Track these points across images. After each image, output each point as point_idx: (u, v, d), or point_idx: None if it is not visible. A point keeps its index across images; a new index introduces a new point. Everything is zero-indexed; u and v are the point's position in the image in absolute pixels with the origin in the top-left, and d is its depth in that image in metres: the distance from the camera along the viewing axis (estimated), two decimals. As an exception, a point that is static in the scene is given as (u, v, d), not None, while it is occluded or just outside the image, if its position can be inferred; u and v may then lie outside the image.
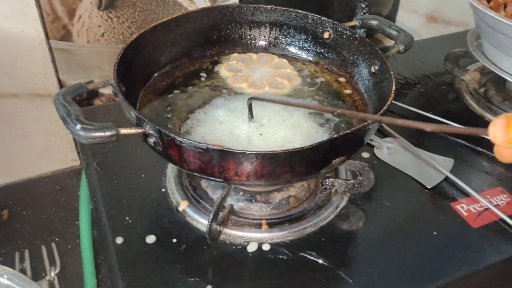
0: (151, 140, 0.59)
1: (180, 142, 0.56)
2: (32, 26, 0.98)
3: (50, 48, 1.07)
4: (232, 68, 0.81)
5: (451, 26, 1.44)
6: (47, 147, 1.17)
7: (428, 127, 0.48)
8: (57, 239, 1.03)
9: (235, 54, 0.84)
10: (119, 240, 0.67)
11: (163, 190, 0.75)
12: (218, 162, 0.57)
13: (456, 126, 0.46)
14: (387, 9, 1.44)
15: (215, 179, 0.61)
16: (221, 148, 0.55)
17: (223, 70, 0.80)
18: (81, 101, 0.65)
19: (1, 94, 1.04)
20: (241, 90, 0.77)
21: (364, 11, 1.29)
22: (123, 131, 0.57)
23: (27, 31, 0.98)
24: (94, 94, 1.14)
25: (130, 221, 0.70)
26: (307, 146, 0.56)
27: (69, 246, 1.03)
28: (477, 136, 0.44)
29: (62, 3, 1.06)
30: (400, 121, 0.53)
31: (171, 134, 0.57)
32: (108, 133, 0.56)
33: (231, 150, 0.55)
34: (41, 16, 1.02)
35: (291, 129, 0.68)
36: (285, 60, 0.83)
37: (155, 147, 0.60)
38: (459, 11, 1.39)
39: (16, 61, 1.02)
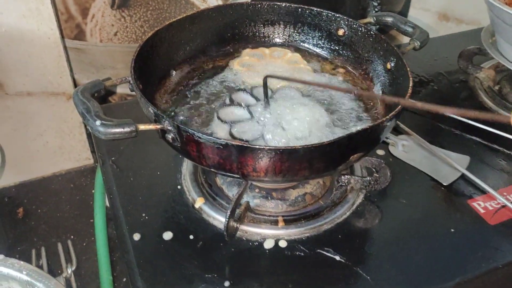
0: (169, 136, 0.59)
1: (199, 137, 0.56)
2: (47, 25, 0.99)
3: (64, 47, 1.07)
4: (245, 64, 0.80)
5: (463, 25, 1.43)
6: (61, 145, 1.18)
7: (448, 110, 0.48)
8: (72, 236, 1.04)
9: (247, 50, 0.83)
10: (137, 236, 0.67)
11: (179, 187, 0.75)
12: (237, 158, 0.57)
13: (477, 112, 0.46)
14: (398, 7, 1.43)
15: (233, 175, 0.61)
16: (240, 144, 0.55)
17: (236, 65, 0.80)
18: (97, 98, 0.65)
19: (17, 93, 1.04)
20: (255, 85, 0.76)
21: (376, 10, 1.28)
22: (142, 127, 0.57)
23: (42, 30, 0.99)
24: (110, 92, 1.15)
25: (146, 217, 0.70)
26: (326, 141, 0.56)
27: (84, 244, 1.04)
28: (498, 123, 0.44)
29: (76, 2, 1.07)
30: (419, 104, 0.52)
31: (189, 130, 0.57)
32: (127, 129, 0.56)
33: (250, 146, 0.55)
34: (56, 15, 1.02)
35: (306, 125, 0.68)
36: (298, 55, 0.83)
37: (173, 143, 0.60)
38: (471, 9, 1.38)
39: (31, 59, 1.02)
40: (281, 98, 0.72)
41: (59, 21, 1.05)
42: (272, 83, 0.74)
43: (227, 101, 0.71)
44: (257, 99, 0.71)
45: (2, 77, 1.02)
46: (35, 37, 0.99)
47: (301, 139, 0.65)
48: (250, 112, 0.68)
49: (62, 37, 1.07)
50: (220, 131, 0.67)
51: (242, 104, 0.70)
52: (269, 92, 0.71)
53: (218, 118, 0.67)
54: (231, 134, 0.65)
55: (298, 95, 0.73)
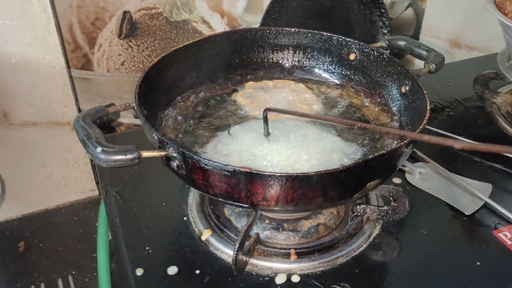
0: (174, 164, 0.56)
1: (206, 164, 0.53)
2: (53, 54, 0.98)
3: (70, 76, 1.06)
4: (249, 96, 0.78)
5: (475, 52, 1.41)
6: (65, 176, 1.15)
7: (457, 144, 0.45)
8: (73, 272, 1.00)
9: (250, 83, 0.81)
10: (139, 271, 0.64)
11: (185, 218, 0.72)
12: (246, 186, 0.54)
13: (488, 144, 0.43)
14: (409, 34, 1.42)
15: (242, 204, 0.57)
16: (249, 170, 0.52)
17: (240, 98, 0.77)
18: (101, 126, 0.63)
19: (21, 123, 1.03)
20: (260, 116, 0.74)
21: (383, 37, 1.27)
22: (145, 154, 0.55)
23: (48, 59, 0.98)
24: (112, 120, 1.13)
25: (150, 251, 0.67)
26: (340, 167, 0.52)
27: (86, 279, 1.00)
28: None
29: (83, 31, 1.06)
30: (426, 137, 0.50)
31: (195, 156, 0.54)
32: (129, 156, 0.53)
33: (260, 172, 0.52)
34: (62, 44, 1.02)
35: (310, 153, 0.65)
36: (301, 85, 0.81)
37: (178, 171, 0.57)
38: (482, 36, 1.36)
39: (36, 88, 1.01)
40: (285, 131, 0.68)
41: (65, 50, 1.05)
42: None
43: (227, 134, 0.68)
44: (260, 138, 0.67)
45: (7, 106, 1.01)
46: (41, 66, 0.98)
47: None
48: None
49: (68, 66, 1.06)
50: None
51: (245, 144, 0.66)
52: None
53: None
54: None
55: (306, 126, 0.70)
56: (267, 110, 0.64)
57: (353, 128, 0.68)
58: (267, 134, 0.66)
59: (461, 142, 0.45)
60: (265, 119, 0.65)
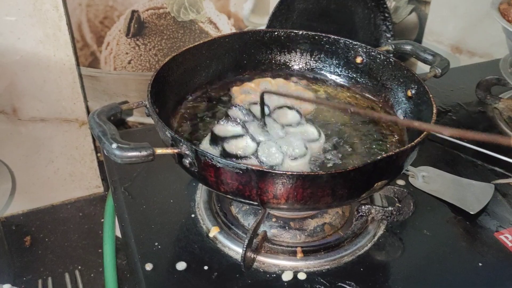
0: (187, 161, 0.57)
1: (218, 162, 0.54)
2: (63, 51, 0.99)
3: (79, 73, 1.07)
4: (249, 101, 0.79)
5: (476, 57, 1.43)
6: (72, 172, 1.16)
7: (446, 131, 0.47)
8: (79, 267, 1.01)
9: (235, 88, 0.80)
10: (149, 266, 0.65)
11: (193, 215, 0.73)
12: (257, 184, 0.55)
13: (476, 133, 0.45)
14: (411, 39, 1.44)
15: (252, 202, 0.59)
16: (261, 169, 0.53)
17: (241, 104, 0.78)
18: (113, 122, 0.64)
19: (30, 119, 1.04)
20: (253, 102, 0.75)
21: (389, 40, 1.28)
22: (159, 151, 0.56)
23: (58, 56, 0.99)
24: (121, 120, 1.14)
25: (159, 247, 0.68)
26: (350, 167, 0.54)
27: (91, 275, 1.01)
28: (499, 144, 0.44)
29: (91, 30, 1.07)
30: (417, 123, 0.53)
31: (208, 154, 0.55)
32: (144, 153, 0.54)
33: (271, 171, 0.53)
34: (72, 41, 1.03)
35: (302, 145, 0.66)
36: (281, 79, 0.82)
37: (190, 168, 0.58)
38: (484, 42, 1.38)
39: (46, 85, 1.02)
40: (279, 117, 0.70)
41: (75, 48, 1.06)
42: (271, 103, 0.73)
43: (223, 119, 0.69)
44: (254, 116, 0.69)
45: (16, 102, 1.02)
46: (51, 63, 0.99)
47: (297, 160, 0.63)
48: (245, 129, 0.66)
49: (77, 64, 1.07)
50: (212, 149, 0.65)
51: (238, 120, 0.67)
52: (267, 110, 0.69)
53: (213, 133, 0.65)
54: (223, 148, 0.63)
55: (296, 115, 0.71)
56: (263, 92, 0.66)
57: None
58: (263, 116, 0.67)
59: (450, 130, 0.47)
60: (262, 102, 0.66)
